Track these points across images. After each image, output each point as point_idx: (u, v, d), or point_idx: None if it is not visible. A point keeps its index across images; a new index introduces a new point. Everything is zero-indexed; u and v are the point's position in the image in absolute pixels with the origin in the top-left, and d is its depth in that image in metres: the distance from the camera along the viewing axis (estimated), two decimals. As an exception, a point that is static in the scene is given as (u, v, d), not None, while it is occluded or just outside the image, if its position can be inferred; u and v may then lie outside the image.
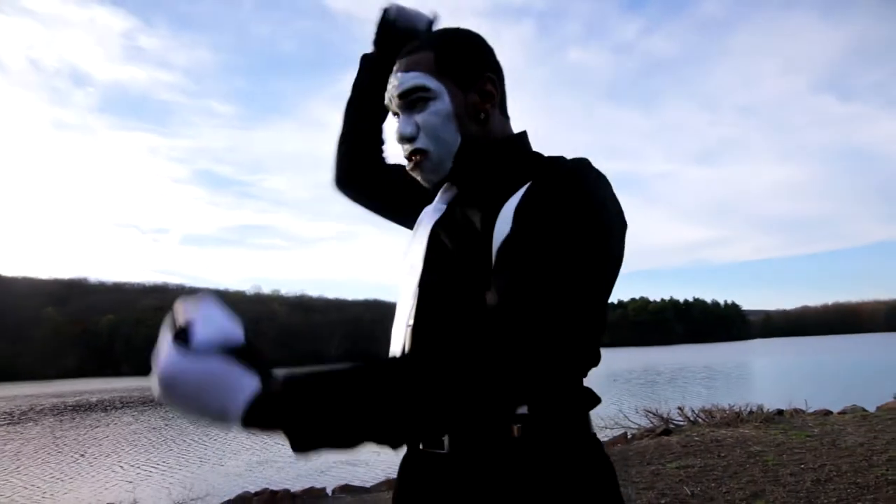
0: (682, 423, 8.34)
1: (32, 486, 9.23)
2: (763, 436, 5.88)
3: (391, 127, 0.93)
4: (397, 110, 0.88)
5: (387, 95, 0.89)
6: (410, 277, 0.84)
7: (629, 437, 7.89)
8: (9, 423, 20.47)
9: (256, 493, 6.05)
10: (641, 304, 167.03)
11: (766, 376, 24.69)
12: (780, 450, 5.07)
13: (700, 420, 8.18)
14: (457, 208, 0.85)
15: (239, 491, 6.20)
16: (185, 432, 13.75)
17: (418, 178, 0.89)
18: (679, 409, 8.82)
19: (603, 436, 8.42)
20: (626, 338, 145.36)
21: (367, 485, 6.45)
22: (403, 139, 0.86)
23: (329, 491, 6.38)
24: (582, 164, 0.75)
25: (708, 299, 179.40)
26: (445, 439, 0.75)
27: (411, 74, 0.85)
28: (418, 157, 0.85)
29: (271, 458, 9.67)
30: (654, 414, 8.77)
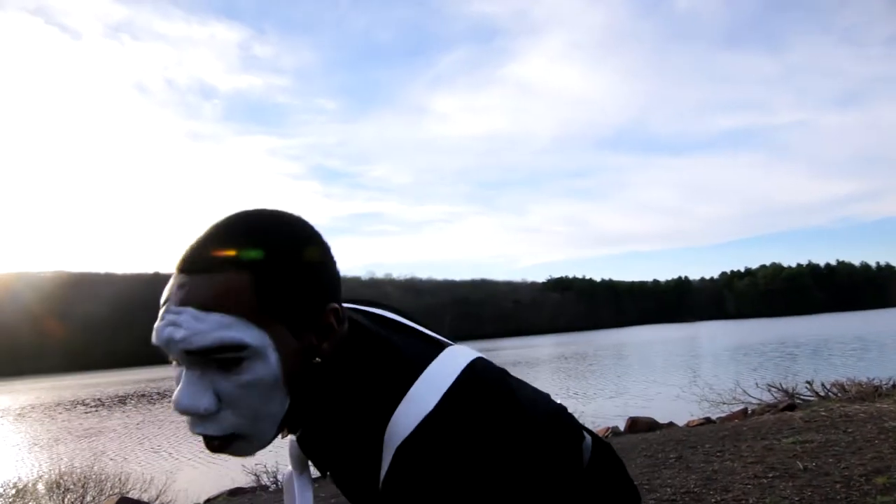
0: (810, 397, 7.79)
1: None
2: (902, 411, 5.38)
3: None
4: (179, 361, 0.56)
5: (156, 333, 0.56)
6: None
7: (748, 412, 7.53)
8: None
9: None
10: (773, 271, 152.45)
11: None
12: (919, 426, 4.64)
13: (831, 395, 7.59)
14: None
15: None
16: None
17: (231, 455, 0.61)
18: (808, 383, 8.22)
19: (719, 411, 8.10)
20: (756, 308, 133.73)
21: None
22: (190, 413, 0.55)
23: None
24: (442, 434, 0.55)
25: (856, 261, 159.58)
26: None
27: (214, 319, 0.53)
28: (222, 442, 0.57)
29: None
30: (777, 388, 8.27)
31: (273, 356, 0.55)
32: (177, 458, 10.81)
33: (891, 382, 7.32)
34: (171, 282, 0.57)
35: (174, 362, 0.57)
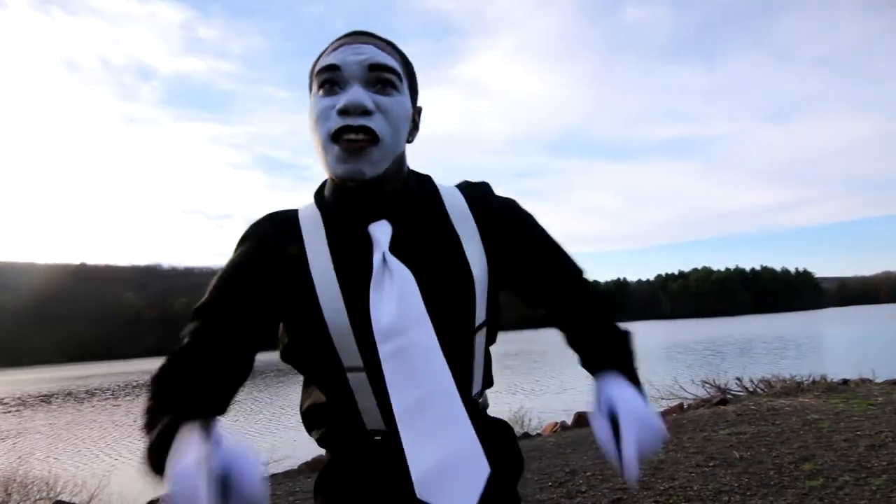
0: (740, 393, 8.30)
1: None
2: (822, 405, 5.85)
3: (322, 103, 0.75)
4: (350, 79, 0.75)
5: (344, 56, 0.75)
6: (412, 335, 0.74)
7: (685, 407, 7.95)
8: (116, 396, 22.93)
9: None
10: (704, 275, 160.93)
11: (836, 347, 23.57)
12: (838, 418, 5.06)
13: (759, 390, 8.11)
14: (417, 248, 0.79)
15: (315, 454, 6.75)
16: (269, 405, 14.84)
17: (345, 167, 0.74)
18: (737, 379, 8.75)
19: (658, 406, 8.50)
20: (688, 309, 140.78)
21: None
22: (352, 109, 0.73)
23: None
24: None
25: (777, 267, 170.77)
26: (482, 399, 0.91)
27: (387, 55, 0.77)
28: (367, 138, 0.73)
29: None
30: (710, 384, 8.76)
31: (408, 99, 0.80)
32: (113, 459, 10.28)
33: (811, 378, 7.92)
34: (333, 45, 0.78)
35: (330, 86, 0.75)
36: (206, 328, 0.75)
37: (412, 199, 0.82)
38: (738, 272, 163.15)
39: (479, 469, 0.73)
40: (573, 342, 0.94)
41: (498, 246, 0.85)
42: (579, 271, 0.97)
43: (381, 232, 0.77)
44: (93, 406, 20.31)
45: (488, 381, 0.92)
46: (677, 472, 3.75)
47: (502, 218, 0.87)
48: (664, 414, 7.49)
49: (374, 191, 0.78)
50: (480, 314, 0.83)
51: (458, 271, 0.80)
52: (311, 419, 0.87)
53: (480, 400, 0.90)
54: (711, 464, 3.89)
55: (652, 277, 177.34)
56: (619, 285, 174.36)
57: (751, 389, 8.21)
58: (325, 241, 0.79)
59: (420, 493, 0.71)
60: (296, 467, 6.23)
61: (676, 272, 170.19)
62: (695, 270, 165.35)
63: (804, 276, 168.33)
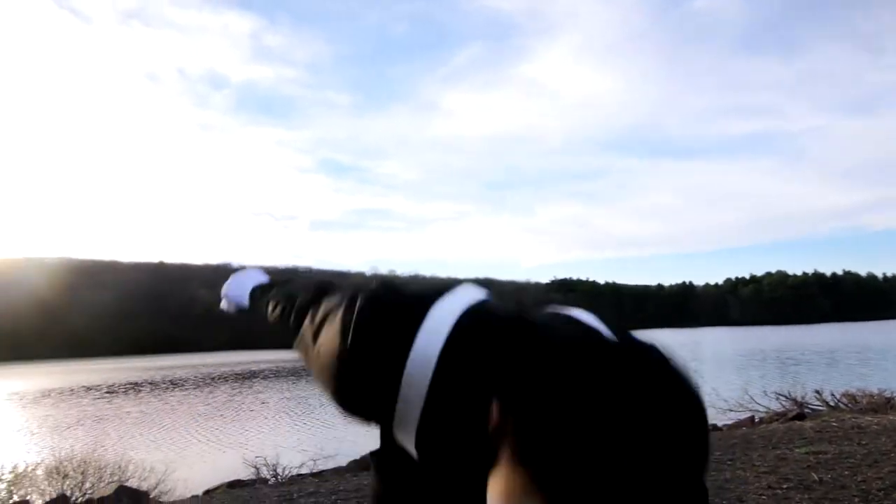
0: (819, 407, 7.67)
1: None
2: (917, 424, 5.27)
3: None
4: None
5: None
6: None
7: (756, 420, 7.42)
8: (196, 387, 24.43)
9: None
10: (778, 279, 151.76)
11: (933, 359, 21.47)
12: (936, 440, 4.53)
13: (842, 405, 7.47)
14: None
15: (364, 452, 6.80)
16: (317, 403, 15.25)
17: None
18: (817, 392, 8.10)
19: (726, 418, 7.99)
20: (760, 316, 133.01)
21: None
22: None
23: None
24: None
25: (862, 272, 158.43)
26: None
27: None
28: None
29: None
30: (786, 397, 8.15)
31: None
32: (181, 448, 10.83)
33: (903, 394, 7.21)
34: None
35: None
36: None
37: None
38: (817, 277, 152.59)
39: None
40: None
41: None
42: None
43: None
44: (175, 395, 21.61)
45: None
46: (746, 494, 3.43)
47: None
48: (732, 427, 7.02)
49: None
50: None
51: None
52: None
53: None
54: (785, 486, 3.54)
55: (720, 281, 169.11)
56: (684, 289, 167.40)
57: (832, 404, 7.57)
58: None
59: None
60: (344, 465, 6.28)
61: (748, 276, 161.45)
62: (768, 274, 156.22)
63: (893, 281, 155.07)
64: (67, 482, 6.45)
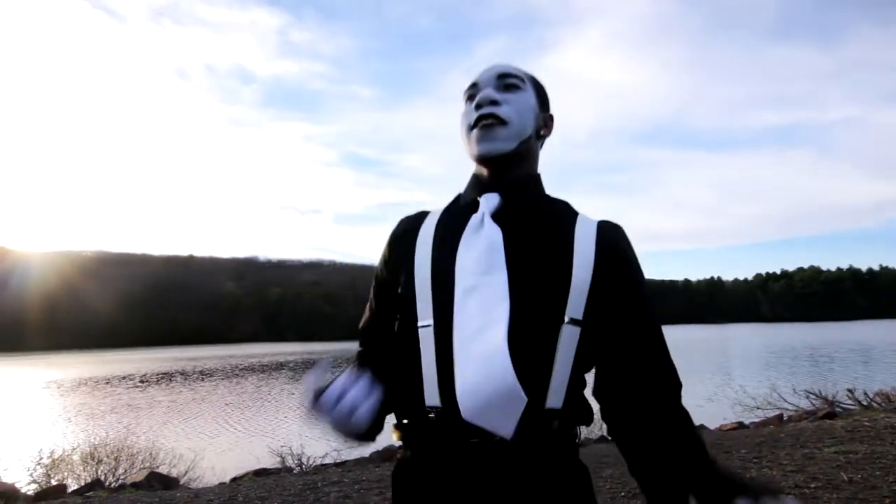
0: (851, 406, 7.46)
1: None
2: (955, 425, 5.09)
3: (465, 109, 0.96)
4: (487, 85, 0.94)
5: (481, 75, 0.96)
6: (485, 277, 0.82)
7: (784, 418, 7.26)
8: (225, 378, 24.96)
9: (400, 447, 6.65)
10: (811, 274, 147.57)
11: (975, 358, 20.63)
12: (974, 441, 4.37)
13: (875, 404, 7.25)
14: (520, 218, 0.88)
15: (386, 444, 6.88)
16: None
17: (481, 145, 0.90)
18: (849, 391, 7.88)
19: (753, 416, 7.83)
20: (791, 312, 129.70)
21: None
22: (483, 102, 0.92)
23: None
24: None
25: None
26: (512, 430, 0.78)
27: (512, 67, 0.97)
28: (495, 121, 0.90)
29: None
30: (816, 395, 7.95)
31: (533, 97, 0.96)
32: (210, 437, 11.09)
33: (940, 394, 6.96)
34: (483, 76, 0.96)
35: (471, 98, 0.96)
36: (363, 355, 1.00)
37: (532, 189, 0.94)
38: (853, 272, 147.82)
39: (515, 399, 0.76)
40: (646, 474, 0.81)
41: (604, 291, 0.85)
42: (676, 386, 0.85)
43: (488, 200, 0.90)
44: (202, 385, 22.13)
45: (582, 411, 0.85)
46: (771, 492, 3.37)
47: (620, 270, 0.88)
48: (759, 425, 6.88)
49: (499, 168, 0.93)
50: (572, 310, 0.82)
51: (556, 262, 0.85)
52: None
53: (557, 422, 0.81)
54: (813, 485, 3.47)
55: (750, 277, 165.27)
56: (713, 284, 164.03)
57: (864, 403, 7.35)
58: (439, 214, 0.96)
59: (465, 414, 0.78)
60: (367, 455, 6.35)
61: (779, 271, 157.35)
62: (800, 270, 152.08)
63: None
64: (101, 467, 6.68)
